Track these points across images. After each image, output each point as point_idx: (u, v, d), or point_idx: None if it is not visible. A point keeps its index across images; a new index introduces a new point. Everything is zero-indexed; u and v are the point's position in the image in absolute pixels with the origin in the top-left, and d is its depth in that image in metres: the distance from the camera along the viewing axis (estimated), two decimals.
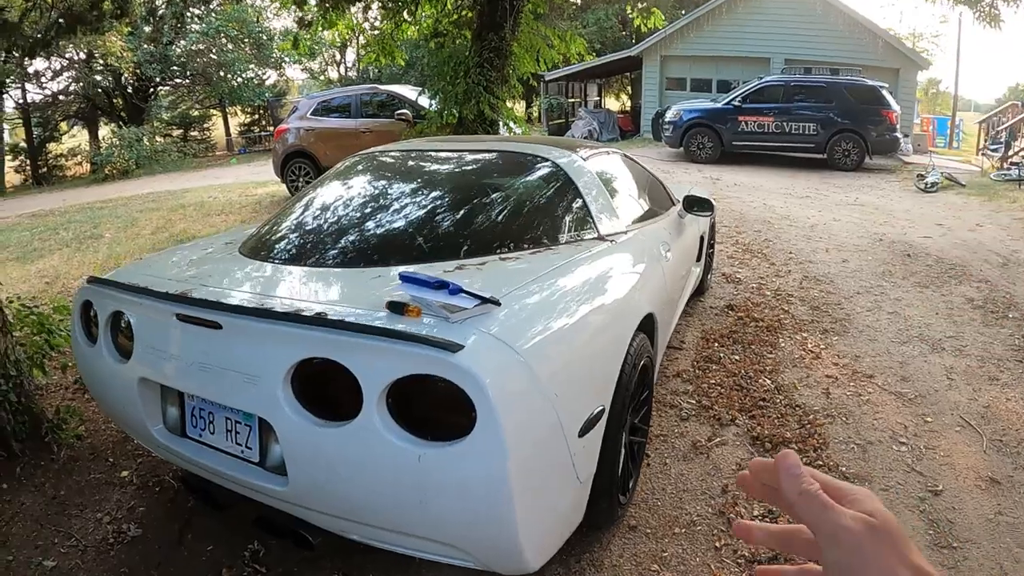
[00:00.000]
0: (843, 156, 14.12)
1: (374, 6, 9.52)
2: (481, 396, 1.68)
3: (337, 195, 3.22)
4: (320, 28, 9.47)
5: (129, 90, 25.27)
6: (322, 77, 35.01)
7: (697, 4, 22.22)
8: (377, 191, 3.18)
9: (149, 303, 2.29)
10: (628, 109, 28.07)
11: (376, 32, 10.70)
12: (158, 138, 23.44)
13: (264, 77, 29.13)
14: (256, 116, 30.22)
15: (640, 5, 8.40)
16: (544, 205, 2.94)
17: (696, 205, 4.22)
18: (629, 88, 32.27)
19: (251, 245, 2.89)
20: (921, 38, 32.21)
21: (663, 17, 9.90)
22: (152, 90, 26.24)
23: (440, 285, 1.89)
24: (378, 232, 2.75)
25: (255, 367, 2.01)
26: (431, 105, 8.75)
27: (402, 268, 2.30)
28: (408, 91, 11.47)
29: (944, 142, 22.67)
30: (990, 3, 10.02)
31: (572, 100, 25.47)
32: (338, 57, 35.39)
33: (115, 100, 25.50)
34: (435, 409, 1.86)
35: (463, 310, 1.85)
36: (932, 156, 14.78)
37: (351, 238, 2.75)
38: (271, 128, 27.59)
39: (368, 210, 2.96)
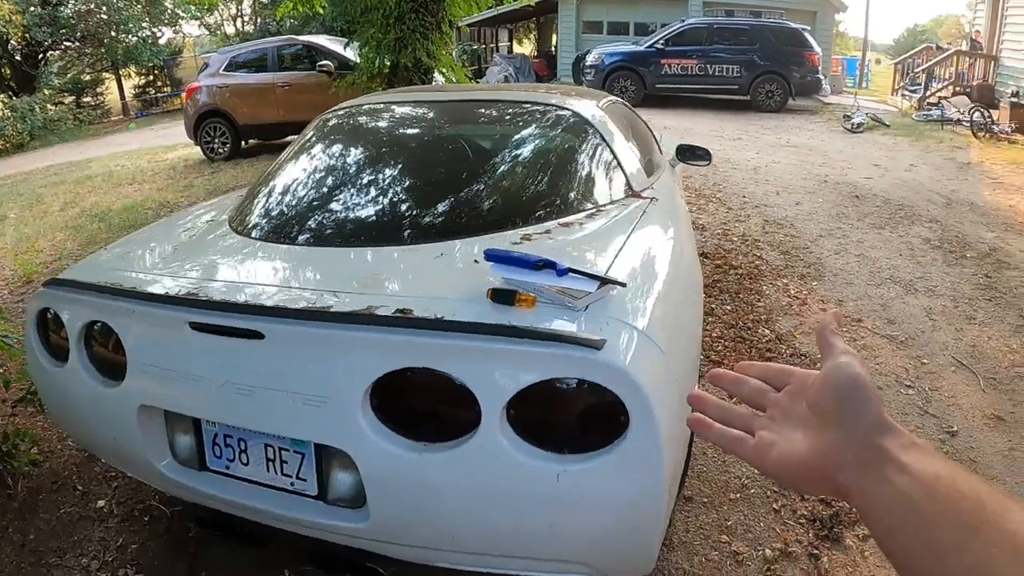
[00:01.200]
0: (767, 97, 15.14)
1: None
2: (636, 399, 1.56)
3: (340, 157, 3.03)
4: None
5: (18, 57, 23.75)
6: (219, 32, 34.22)
7: None
8: (391, 150, 3.01)
9: (146, 309, 1.99)
10: (537, 54, 28.55)
11: None
12: (51, 107, 21.98)
13: (159, 35, 28.12)
14: (151, 77, 29.13)
15: None
16: (581, 161, 2.89)
17: (689, 154, 4.37)
18: (536, 33, 32.84)
19: (252, 222, 2.64)
20: None
21: None
22: (42, 56, 24.73)
23: (542, 264, 1.75)
24: (413, 200, 2.61)
25: (320, 386, 1.78)
26: (359, 54, 8.70)
27: (463, 242, 2.22)
28: (327, 41, 11.43)
29: (853, 82, 24.28)
30: None
31: (484, 46, 25.76)
32: (234, 10, 34.88)
33: (3, 69, 23.80)
34: (570, 417, 1.74)
35: (587, 295, 1.72)
36: (857, 97, 15.87)
37: (381, 209, 2.59)
38: (168, 89, 26.93)
39: (389, 174, 2.80)
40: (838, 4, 20.81)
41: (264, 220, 2.66)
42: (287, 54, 11.33)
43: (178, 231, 2.73)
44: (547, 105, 3.18)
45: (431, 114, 3.33)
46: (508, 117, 3.22)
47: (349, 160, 3.00)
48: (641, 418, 1.57)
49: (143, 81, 29.44)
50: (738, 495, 2.94)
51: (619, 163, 2.89)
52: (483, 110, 3.31)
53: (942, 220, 7.24)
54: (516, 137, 3.02)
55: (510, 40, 29.92)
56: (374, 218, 2.55)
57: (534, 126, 3.11)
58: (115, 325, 2.08)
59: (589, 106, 3.19)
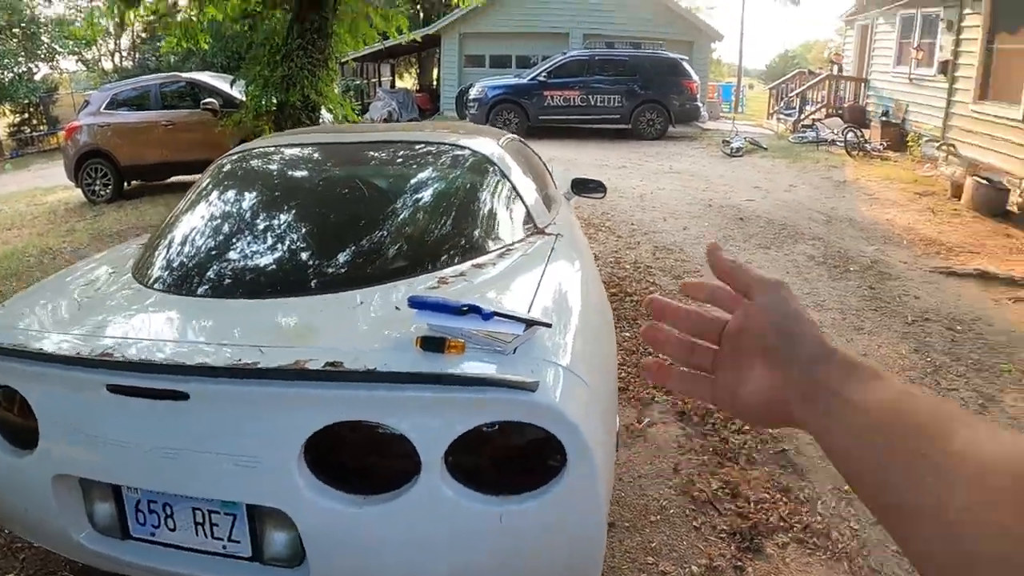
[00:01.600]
0: (648, 126, 15.91)
1: None
2: (572, 437, 1.65)
3: (244, 203, 2.97)
4: (117, 10, 9.02)
5: None
6: (97, 68, 33.43)
7: None
8: (299, 195, 3.00)
9: (58, 372, 1.91)
10: (419, 88, 29.05)
11: (176, 14, 10.38)
12: None
13: (35, 71, 27.26)
14: (27, 115, 27.74)
15: None
16: (487, 201, 2.97)
17: (584, 187, 4.51)
18: (417, 67, 33.43)
19: (162, 275, 2.57)
20: (698, 11, 36.21)
21: None
22: None
23: (467, 309, 1.79)
24: (326, 248, 2.60)
25: (252, 446, 1.77)
26: (245, 92, 8.67)
27: (381, 288, 2.25)
28: (211, 78, 11.40)
29: (729, 107, 25.71)
30: None
31: (367, 81, 26.20)
32: (113, 45, 34.37)
33: None
34: (508, 459, 1.81)
35: (515, 337, 1.78)
36: (735, 123, 16.81)
37: (296, 257, 2.58)
38: (44, 127, 26.06)
39: (299, 220, 2.79)
40: (714, 34, 22.39)
41: (174, 272, 2.60)
42: (170, 92, 11.23)
43: (79, 285, 2.63)
44: (450, 145, 3.26)
45: (334, 157, 3.34)
46: (412, 158, 3.26)
47: (255, 207, 2.94)
48: (578, 454, 1.66)
49: (18, 119, 28.36)
50: (658, 516, 2.98)
51: (522, 201, 2.99)
52: (387, 152, 3.34)
53: (824, 237, 7.68)
54: (422, 178, 3.07)
55: (393, 75, 30.53)
56: (289, 267, 2.54)
57: (439, 167, 3.16)
58: (23, 390, 2.00)
59: (490, 145, 3.28)
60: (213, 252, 2.69)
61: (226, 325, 2.18)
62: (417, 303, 1.87)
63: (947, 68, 12.34)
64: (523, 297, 2.14)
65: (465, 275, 2.34)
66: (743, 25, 32.61)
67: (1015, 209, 9.21)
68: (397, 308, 2.07)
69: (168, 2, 9.90)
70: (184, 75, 11.93)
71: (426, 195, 2.93)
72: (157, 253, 2.74)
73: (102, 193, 10.98)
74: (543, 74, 16.11)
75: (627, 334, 4.84)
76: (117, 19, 9.16)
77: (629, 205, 8.95)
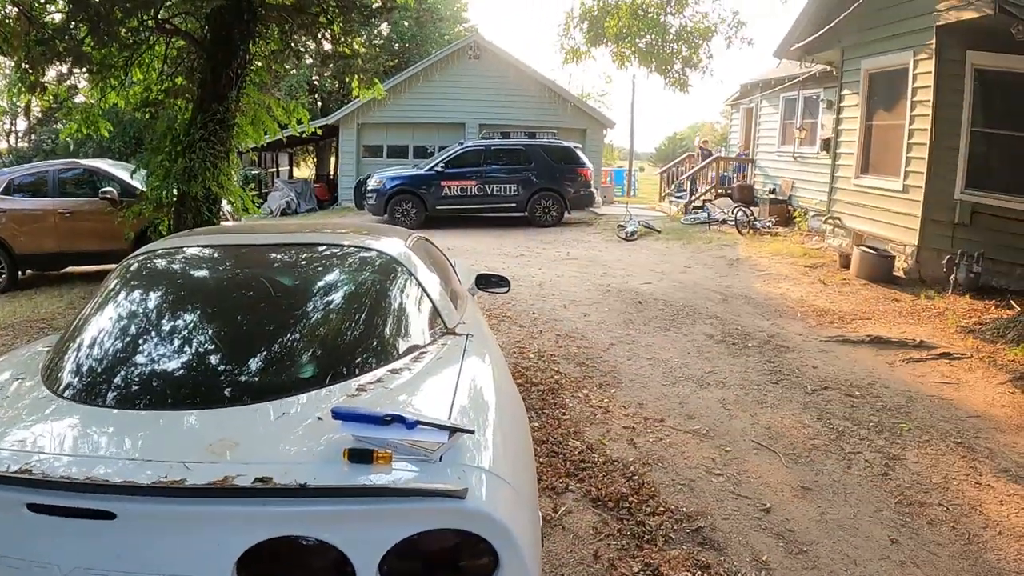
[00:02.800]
0: (544, 213, 16.68)
1: (78, 69, 9.25)
2: (504, 539, 1.79)
3: (155, 307, 3.02)
4: (19, 92, 9.00)
5: None
6: None
7: (390, 72, 25.23)
8: (204, 302, 3.07)
9: None
10: (317, 178, 29.77)
11: (76, 98, 10.47)
12: None
13: None
14: None
15: (360, 77, 9.44)
16: (397, 303, 3.13)
17: (488, 282, 4.79)
18: (315, 157, 34.03)
19: (75, 383, 2.57)
20: (590, 97, 38.36)
21: (383, 89, 11.01)
22: None
23: (391, 419, 1.93)
24: (244, 357, 2.66)
25: (182, 566, 1.79)
26: (145, 183, 8.73)
27: (302, 398, 2.34)
28: (111, 166, 11.42)
29: (622, 192, 27.01)
30: (680, 70, 12.91)
31: (265, 171, 26.66)
32: (8, 125, 34.95)
33: None
34: (442, 565, 1.90)
35: (440, 445, 1.91)
36: (628, 207, 17.70)
37: (210, 367, 2.63)
38: None
39: (206, 328, 2.86)
40: (606, 121, 24.07)
41: (89, 381, 2.61)
42: (68, 178, 11.17)
43: None
44: (358, 247, 3.43)
45: (246, 260, 3.42)
46: (324, 262, 3.39)
47: (170, 311, 3.01)
48: (510, 555, 1.79)
49: None
50: None
51: (432, 302, 3.17)
52: (298, 255, 3.45)
53: (721, 315, 8.15)
54: (334, 283, 3.21)
55: (291, 164, 31.11)
56: (209, 376, 2.59)
57: (349, 270, 3.31)
58: None
59: (397, 245, 3.45)
60: (129, 360, 2.71)
61: (148, 439, 2.20)
62: (341, 414, 1.97)
63: (829, 145, 13.49)
64: (442, 402, 2.29)
65: (383, 381, 2.47)
66: (633, 112, 34.65)
67: (901, 274, 10.04)
68: (319, 418, 2.16)
69: (67, 87, 9.95)
70: (83, 162, 11.96)
71: (339, 299, 3.06)
72: (69, 359, 2.75)
73: None
74: (440, 164, 16.81)
75: (536, 423, 5.00)
76: (21, 106, 9.14)
77: (529, 294, 9.25)
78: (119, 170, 11.17)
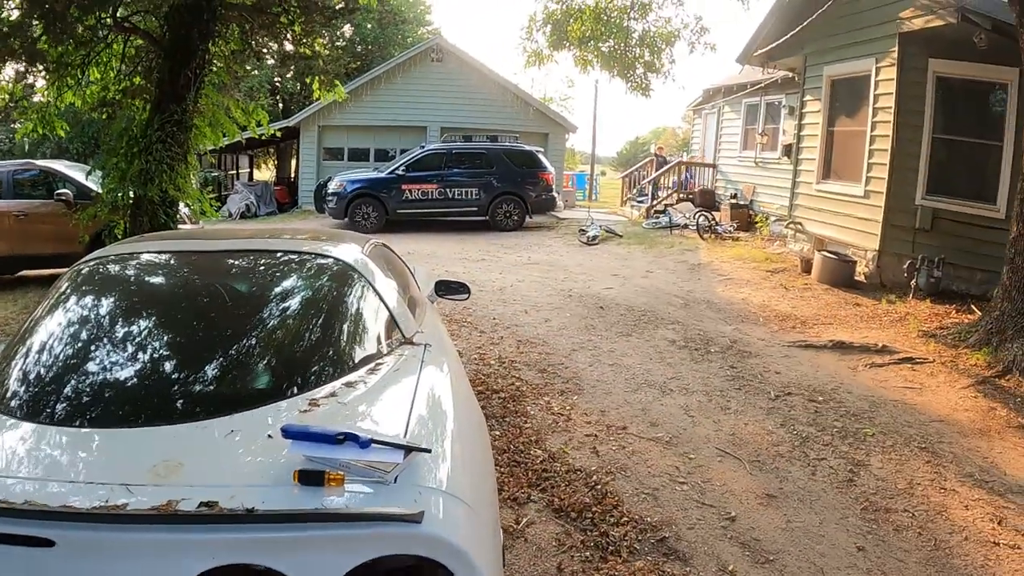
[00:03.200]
0: (505, 217, 16.67)
1: (34, 68, 9.05)
2: (463, 565, 1.73)
3: (100, 317, 2.91)
4: None
5: None
6: None
7: (353, 74, 25.05)
8: (155, 311, 2.97)
9: None
10: (277, 180, 29.42)
11: (32, 97, 10.20)
12: None
13: None
14: None
15: (321, 78, 9.30)
16: (353, 312, 3.08)
17: (448, 289, 4.73)
18: (275, 159, 33.70)
19: (10, 397, 2.47)
20: (552, 101, 38.46)
21: (345, 91, 10.90)
22: None
23: (343, 438, 1.85)
24: (191, 369, 2.58)
25: None
26: (101, 184, 8.59)
27: (252, 414, 2.26)
28: (67, 167, 11.28)
29: (584, 196, 27.08)
30: (642, 75, 12.96)
31: (224, 173, 26.28)
32: None
33: None
34: None
35: (395, 466, 1.84)
36: (590, 211, 17.74)
37: (159, 379, 2.54)
38: None
39: (160, 338, 2.78)
40: (568, 126, 24.12)
41: (26, 395, 2.49)
42: (23, 180, 10.99)
43: None
44: (313, 254, 3.36)
45: (197, 267, 3.34)
46: (277, 269, 3.32)
47: (115, 322, 2.89)
48: None
49: None
50: None
51: (389, 310, 3.09)
52: (251, 262, 3.35)
53: (683, 321, 8.15)
54: (287, 291, 3.14)
55: (251, 167, 30.76)
56: (154, 391, 2.49)
57: (303, 278, 3.24)
58: None
59: (354, 252, 3.38)
60: (73, 373, 2.60)
61: (90, 459, 2.12)
62: (292, 433, 1.90)
63: (791, 151, 13.63)
64: (398, 418, 2.23)
65: (336, 395, 2.39)
66: (595, 117, 35.03)
67: (862, 279, 10.16)
68: (270, 436, 2.08)
69: (22, 86, 9.68)
70: (39, 163, 11.78)
71: (293, 308, 2.99)
72: (8, 371, 2.63)
73: None
74: (401, 168, 16.73)
75: (496, 432, 4.92)
76: None
77: (490, 299, 9.17)
78: (75, 171, 10.98)
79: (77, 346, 2.76)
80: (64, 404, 2.42)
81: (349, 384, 2.49)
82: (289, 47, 10.48)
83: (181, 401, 2.42)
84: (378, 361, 2.71)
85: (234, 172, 28.46)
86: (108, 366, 2.61)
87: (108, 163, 8.33)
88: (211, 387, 2.51)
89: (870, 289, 9.79)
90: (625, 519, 3.80)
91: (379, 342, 2.90)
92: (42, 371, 2.63)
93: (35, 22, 8.10)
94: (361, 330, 3.01)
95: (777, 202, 14.48)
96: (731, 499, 4.09)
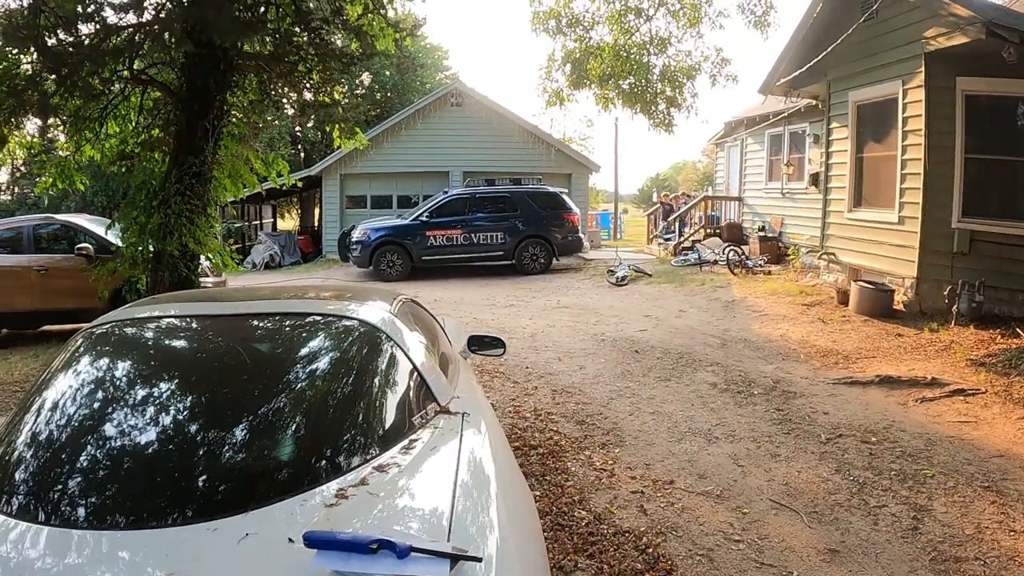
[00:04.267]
0: (531, 260, 16.62)
1: (51, 122, 9.15)
2: None
3: (98, 392, 2.68)
4: None
5: None
6: None
7: (372, 121, 25.27)
8: (164, 385, 2.71)
9: None
10: (301, 230, 29.68)
11: (52, 154, 10.24)
12: None
13: None
14: None
15: (341, 126, 9.28)
16: (382, 382, 2.79)
17: (482, 344, 4.49)
18: (299, 208, 34.05)
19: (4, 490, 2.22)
20: (572, 141, 38.70)
21: (366, 139, 10.93)
22: None
23: (378, 547, 1.61)
24: (198, 455, 2.33)
25: None
26: (121, 238, 8.59)
27: (270, 511, 1.99)
28: (87, 221, 11.37)
29: (608, 234, 27.03)
30: (665, 110, 12.90)
31: (248, 223, 26.75)
32: None
33: None
34: None
35: None
36: (618, 251, 17.62)
37: (160, 471, 2.27)
38: None
39: (164, 419, 2.50)
40: (591, 165, 24.15)
41: (11, 486, 2.22)
42: (45, 234, 11.14)
43: None
44: (338, 317, 3.10)
45: (211, 335, 3.08)
46: (299, 335, 3.07)
47: (119, 398, 2.63)
48: None
49: None
50: None
51: (421, 377, 2.83)
52: (269, 327, 3.12)
53: (722, 362, 7.93)
54: (310, 361, 2.88)
55: (274, 216, 31.33)
56: (161, 485, 2.21)
57: (327, 345, 2.98)
58: None
59: (380, 312, 3.13)
60: (60, 460, 2.33)
61: (74, 572, 1.83)
62: (316, 541, 1.66)
63: (817, 180, 13.44)
64: (439, 513, 1.96)
65: (367, 482, 2.12)
66: (616, 155, 35.21)
67: (901, 308, 9.88)
68: (291, 540, 1.81)
69: (43, 142, 9.76)
70: (59, 217, 11.88)
71: (315, 380, 2.73)
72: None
73: None
74: (425, 214, 16.76)
75: (537, 492, 4.71)
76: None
77: (521, 346, 9.01)
78: (96, 226, 11.08)
79: (70, 428, 2.51)
80: (50, 498, 2.16)
81: (381, 468, 2.22)
82: (308, 96, 10.50)
83: (187, 498, 2.15)
84: (412, 437, 2.46)
85: (257, 222, 28.83)
86: (106, 451, 2.35)
87: (127, 216, 8.33)
88: (223, 478, 2.23)
89: (910, 318, 9.52)
90: None
91: (412, 414, 2.63)
92: (28, 458, 2.37)
93: (49, 76, 8.17)
94: (392, 402, 2.75)
95: (807, 233, 14.24)
96: (791, 557, 3.85)
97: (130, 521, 2.04)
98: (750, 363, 7.85)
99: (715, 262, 15.43)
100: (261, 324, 3.13)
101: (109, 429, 2.45)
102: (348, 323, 3.03)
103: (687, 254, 16.75)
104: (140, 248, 8.12)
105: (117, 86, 8.89)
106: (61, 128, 9.36)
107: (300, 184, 19.11)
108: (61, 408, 2.62)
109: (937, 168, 9.37)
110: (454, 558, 1.63)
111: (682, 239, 18.08)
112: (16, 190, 32.43)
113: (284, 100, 11.92)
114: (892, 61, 10.18)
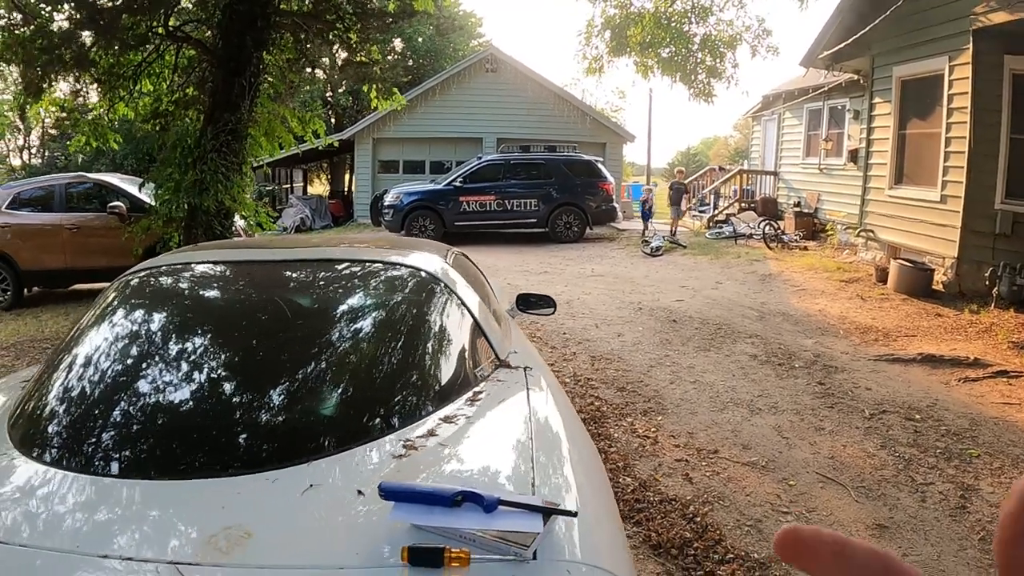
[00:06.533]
0: (565, 229, 16.37)
1: (85, 79, 9.19)
2: None
3: (142, 339, 2.52)
4: (21, 101, 8.93)
5: None
6: (5, 163, 34.96)
7: (404, 88, 25.04)
8: (211, 332, 2.57)
9: None
10: (331, 194, 29.70)
11: (86, 111, 10.24)
12: None
13: None
14: None
15: (378, 86, 9.09)
16: (443, 331, 2.62)
17: (527, 304, 4.26)
18: (328, 173, 34.16)
19: (30, 434, 2.05)
20: (603, 113, 38.31)
21: (404, 99, 10.80)
22: None
23: (462, 499, 1.46)
24: (258, 405, 2.17)
25: None
26: (154, 196, 8.58)
27: (334, 461, 1.84)
28: (120, 180, 11.33)
29: (640, 207, 26.78)
30: (705, 80, 12.64)
31: (278, 187, 26.83)
32: (21, 141, 35.79)
33: None
34: None
35: (535, 536, 1.42)
36: (653, 222, 17.38)
37: (215, 419, 2.12)
38: None
39: (213, 365, 2.37)
40: (626, 135, 23.82)
41: (50, 432, 2.09)
42: (76, 193, 11.08)
43: None
44: (393, 264, 2.90)
45: (259, 280, 2.90)
46: (351, 282, 2.90)
47: (164, 344, 2.49)
48: None
49: None
50: None
51: (480, 328, 2.67)
52: (319, 273, 2.93)
53: (761, 334, 7.81)
54: (365, 308, 2.71)
55: (304, 181, 31.15)
56: (216, 432, 2.06)
57: (382, 292, 2.81)
58: None
59: (436, 262, 2.93)
60: (106, 406, 2.18)
61: (130, 524, 1.66)
62: (392, 492, 1.51)
63: (856, 156, 13.15)
64: (519, 468, 1.82)
65: (436, 434, 1.95)
66: (650, 126, 34.80)
67: (940, 288, 9.67)
68: (360, 492, 1.65)
69: (76, 100, 9.74)
70: (92, 176, 11.85)
71: (373, 328, 2.58)
72: (39, 406, 2.23)
73: (0, 300, 10.56)
74: (459, 179, 16.53)
75: None
76: (19, 112, 8.97)
77: (558, 312, 8.93)
78: (128, 184, 11.06)
79: (116, 373, 2.35)
80: (98, 445, 2.00)
81: (448, 419, 2.04)
82: (345, 54, 10.38)
83: (244, 443, 2.00)
84: (476, 389, 2.28)
85: (288, 186, 28.81)
86: (153, 401, 2.19)
87: (162, 174, 8.31)
88: (281, 425, 2.08)
89: (949, 298, 9.31)
90: (730, 555, 3.52)
91: (474, 365, 2.47)
92: (75, 406, 2.21)
93: (85, 33, 8.13)
94: (453, 352, 2.56)
95: (844, 209, 13.96)
96: (840, 531, 3.76)
97: (179, 470, 1.92)
98: (789, 336, 7.72)
99: (750, 236, 15.22)
100: (312, 271, 2.97)
101: (154, 375, 2.31)
102: (405, 271, 2.85)
103: (721, 227, 16.53)
104: (174, 205, 8.10)
105: (152, 43, 8.85)
106: (96, 87, 9.34)
107: (337, 144, 18.95)
108: (100, 353, 2.47)
109: (982, 147, 9.10)
110: (547, 512, 1.49)
111: (716, 212, 17.83)
112: (47, 153, 32.97)
113: (321, 59, 11.81)
114: (939, 37, 9.85)
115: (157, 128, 9.24)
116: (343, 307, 2.72)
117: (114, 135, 10.01)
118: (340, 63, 10.95)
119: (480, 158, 17.50)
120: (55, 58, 8.05)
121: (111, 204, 10.47)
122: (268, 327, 2.57)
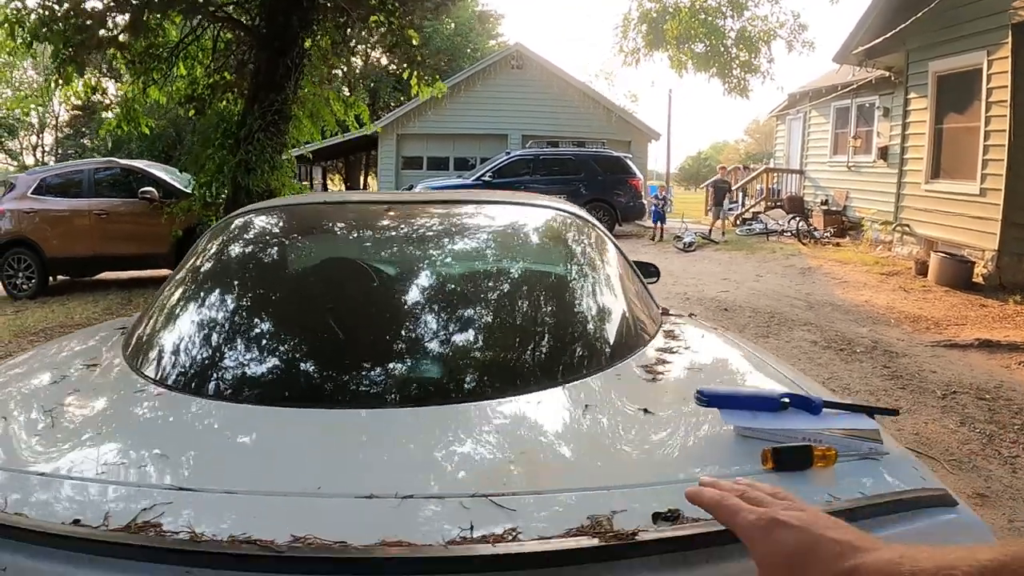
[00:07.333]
0: None
1: (115, 63, 9.12)
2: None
3: (277, 273, 2.41)
4: (53, 86, 8.79)
5: None
6: (19, 160, 35.31)
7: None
8: (363, 264, 2.37)
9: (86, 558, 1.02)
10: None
11: (118, 96, 10.30)
12: None
13: None
14: None
15: (419, 73, 9.09)
16: (616, 273, 2.42)
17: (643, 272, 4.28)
18: (343, 172, 34.36)
19: (176, 371, 1.83)
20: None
21: (444, 87, 10.84)
22: None
23: (787, 403, 1.41)
24: (425, 337, 1.97)
25: None
26: (190, 180, 8.51)
27: (577, 384, 1.69)
28: (150, 166, 11.15)
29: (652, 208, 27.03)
30: (740, 75, 12.76)
31: (299, 183, 26.95)
32: (35, 140, 36.64)
33: None
34: None
35: (878, 432, 1.37)
36: (684, 219, 17.47)
37: (387, 350, 1.90)
38: None
39: (377, 302, 2.19)
40: (651, 133, 23.92)
41: (187, 367, 1.86)
42: (105, 178, 10.80)
43: (56, 390, 1.72)
44: (545, 207, 2.82)
45: (413, 221, 2.69)
46: (513, 224, 2.74)
47: (270, 279, 2.37)
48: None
49: None
50: None
51: (638, 277, 2.55)
52: (473, 212, 2.77)
53: (814, 322, 7.93)
54: (551, 249, 2.60)
55: (324, 178, 31.31)
56: (379, 368, 1.82)
57: (548, 232, 2.67)
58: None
59: (581, 210, 2.82)
60: (237, 336, 2.00)
61: (347, 454, 1.45)
62: (713, 397, 1.41)
63: (886, 153, 13.26)
64: (770, 380, 1.77)
65: (667, 361, 1.85)
66: (669, 126, 34.97)
67: (981, 280, 9.77)
68: (647, 411, 1.53)
69: (107, 84, 9.80)
70: (121, 161, 11.67)
71: (565, 268, 2.44)
72: (145, 332, 2.05)
73: (24, 287, 10.31)
74: (487, 174, 16.55)
75: None
76: (55, 88, 8.80)
77: None
78: (158, 170, 10.85)
79: (260, 307, 2.20)
80: (271, 378, 1.83)
81: (666, 350, 1.92)
82: (388, 39, 10.35)
83: (418, 382, 1.81)
84: (664, 329, 2.15)
85: (307, 183, 28.94)
86: (299, 328, 2.06)
87: (202, 155, 8.22)
88: (462, 364, 1.88)
89: (990, 290, 9.41)
90: None
91: (650, 310, 2.33)
92: (221, 338, 1.99)
93: (120, 10, 8.07)
94: (639, 293, 2.41)
95: (874, 207, 14.06)
96: None
97: (341, 399, 1.75)
98: (843, 324, 7.84)
99: (782, 232, 15.35)
100: (464, 211, 2.81)
101: (299, 307, 2.19)
102: (557, 213, 2.70)
103: (751, 224, 16.68)
104: (215, 187, 8.02)
105: (192, 22, 8.80)
106: (128, 71, 9.13)
107: (369, 131, 18.93)
108: (235, 284, 2.34)
109: (1022, 141, 9.21)
110: (870, 411, 1.46)
111: (743, 210, 17.96)
112: (60, 151, 33.59)
113: (363, 43, 11.71)
114: (977, 31, 9.96)
115: (191, 112, 9.20)
116: (531, 248, 2.63)
117: (147, 119, 9.86)
118: (391, 42, 10.82)
119: (508, 153, 17.54)
120: (87, 38, 7.92)
121: (143, 189, 10.16)
122: (449, 259, 2.44)
